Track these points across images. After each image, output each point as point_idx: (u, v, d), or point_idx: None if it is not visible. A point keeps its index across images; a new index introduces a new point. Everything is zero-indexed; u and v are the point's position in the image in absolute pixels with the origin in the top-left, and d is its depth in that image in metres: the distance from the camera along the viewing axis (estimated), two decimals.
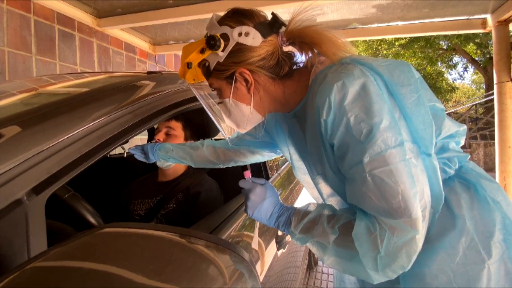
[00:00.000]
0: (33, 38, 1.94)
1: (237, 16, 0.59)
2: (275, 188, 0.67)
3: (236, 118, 0.66)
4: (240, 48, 0.58)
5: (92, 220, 0.75)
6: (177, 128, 1.15)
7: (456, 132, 0.59)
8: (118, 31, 2.54)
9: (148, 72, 0.83)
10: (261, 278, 0.84)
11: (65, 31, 2.16)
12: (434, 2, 2.02)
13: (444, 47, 10.08)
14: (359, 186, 0.50)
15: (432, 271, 0.53)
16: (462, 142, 0.61)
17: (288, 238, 1.00)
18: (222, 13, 0.62)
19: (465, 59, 10.75)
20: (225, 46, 0.57)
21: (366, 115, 0.48)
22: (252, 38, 0.56)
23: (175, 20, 2.20)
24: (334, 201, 0.70)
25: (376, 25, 2.41)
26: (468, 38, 8.86)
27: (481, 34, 8.37)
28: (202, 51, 0.59)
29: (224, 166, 0.98)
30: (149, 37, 2.83)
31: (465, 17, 2.29)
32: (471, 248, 0.52)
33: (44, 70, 2.01)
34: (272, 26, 0.58)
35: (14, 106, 0.54)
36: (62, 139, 0.43)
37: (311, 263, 2.06)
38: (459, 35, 8.51)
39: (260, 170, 1.22)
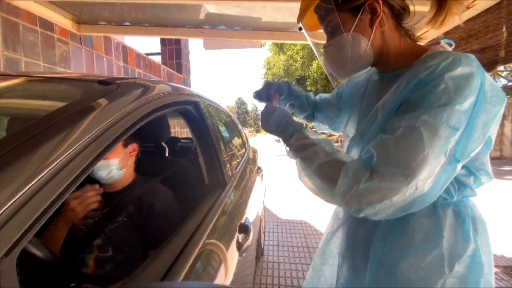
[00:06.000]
0: None
1: None
2: (285, 110, 0.77)
3: (344, 57, 0.67)
4: None
5: (35, 251, 0.64)
6: None
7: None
8: (31, 3, 2.10)
9: (100, 82, 0.72)
10: (230, 277, 0.87)
11: None
12: None
13: None
14: (395, 133, 0.55)
15: (404, 266, 0.61)
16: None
17: (247, 243, 1.05)
18: None
19: None
20: None
21: (455, 92, 0.52)
22: None
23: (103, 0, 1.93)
24: None
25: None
26: None
27: None
28: None
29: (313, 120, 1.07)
30: (72, 14, 2.42)
31: None
32: (436, 261, 0.60)
33: None
34: None
35: None
36: (29, 186, 0.36)
37: (258, 254, 2.18)
38: None
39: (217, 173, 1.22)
